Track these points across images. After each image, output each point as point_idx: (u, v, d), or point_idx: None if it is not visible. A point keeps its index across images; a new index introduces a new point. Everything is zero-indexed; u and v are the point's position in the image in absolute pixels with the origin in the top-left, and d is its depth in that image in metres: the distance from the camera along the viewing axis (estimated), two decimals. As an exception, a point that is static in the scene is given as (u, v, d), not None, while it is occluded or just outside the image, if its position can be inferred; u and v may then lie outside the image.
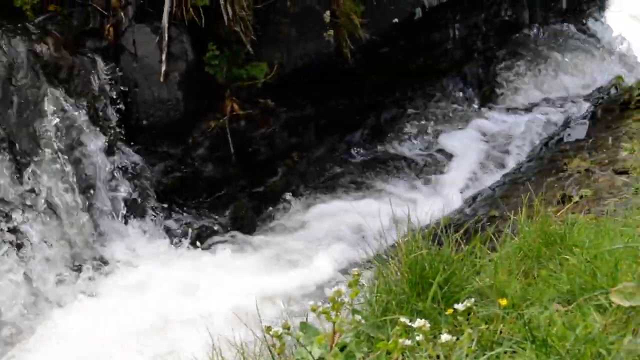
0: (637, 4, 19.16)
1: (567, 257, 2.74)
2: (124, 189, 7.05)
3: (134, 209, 7.08)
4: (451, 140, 10.32)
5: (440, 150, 10.07)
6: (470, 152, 10.06)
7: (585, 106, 11.15)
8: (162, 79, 7.16)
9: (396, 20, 8.96)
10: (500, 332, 2.40)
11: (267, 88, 7.88)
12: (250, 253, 7.27)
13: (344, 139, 9.74)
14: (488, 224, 6.72)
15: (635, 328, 2.08)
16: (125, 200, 7.04)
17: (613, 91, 10.94)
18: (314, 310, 2.56)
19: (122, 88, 7.20)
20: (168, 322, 5.89)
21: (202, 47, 7.44)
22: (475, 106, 11.32)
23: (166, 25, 7.09)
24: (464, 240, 2.88)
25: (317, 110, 8.91)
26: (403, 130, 10.30)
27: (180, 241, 7.19)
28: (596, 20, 14.43)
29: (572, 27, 13.66)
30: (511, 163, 9.74)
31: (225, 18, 7.19)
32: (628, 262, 2.45)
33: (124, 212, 7.03)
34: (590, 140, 8.49)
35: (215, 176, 7.88)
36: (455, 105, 11.04)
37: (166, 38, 7.11)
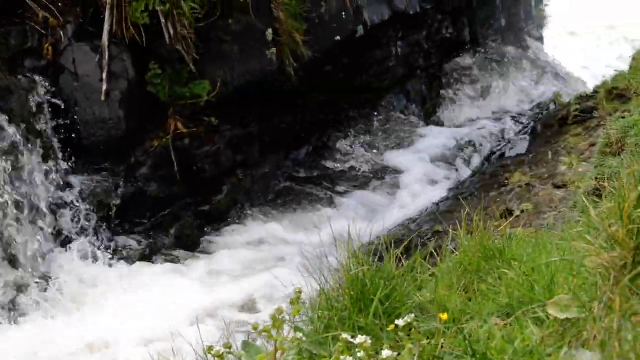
0: (575, 21, 19.63)
1: (506, 270, 2.78)
2: (65, 210, 6.94)
3: (76, 230, 6.97)
4: (396, 156, 10.41)
5: (385, 167, 10.15)
6: (415, 167, 10.15)
7: (526, 122, 11.35)
8: (103, 98, 7.08)
9: (338, 38, 9.03)
10: (442, 346, 2.41)
11: (211, 106, 7.85)
12: (194, 272, 7.20)
13: (289, 156, 9.76)
14: (432, 239, 6.78)
15: (571, 340, 2.10)
16: (67, 221, 6.93)
17: (552, 107, 11.17)
18: (255, 328, 2.55)
19: (62, 107, 7.10)
20: (108, 343, 5.80)
21: (144, 66, 7.39)
22: (419, 122, 11.45)
23: (106, 43, 7.03)
24: (404, 256, 2.89)
25: (262, 128, 8.90)
26: (348, 146, 10.36)
27: (123, 262, 7.09)
28: (535, 37, 14.74)
29: (512, 45, 13.94)
30: (455, 178, 9.85)
31: (167, 37, 7.16)
32: (564, 275, 2.49)
33: (65, 232, 6.92)
34: (531, 155, 8.63)
35: (160, 195, 7.81)
36: (399, 122, 11.15)
37: (107, 57, 7.04)
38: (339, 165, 10.03)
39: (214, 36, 7.74)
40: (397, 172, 10.03)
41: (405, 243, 3.11)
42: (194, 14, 7.32)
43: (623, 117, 5.91)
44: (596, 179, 4.87)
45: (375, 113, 11.09)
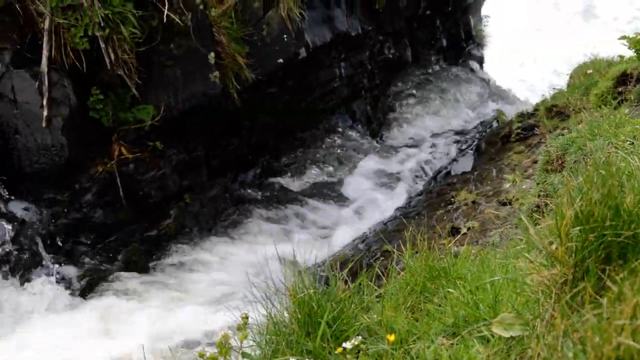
0: (514, 40, 20.07)
1: (451, 290, 2.79)
2: (6, 239, 6.78)
3: (18, 260, 6.82)
4: (343, 176, 10.43)
5: (332, 187, 10.17)
6: (362, 187, 10.19)
7: (470, 139, 11.50)
8: (44, 125, 6.97)
9: (281, 60, 9.04)
10: (389, 368, 2.41)
11: (156, 131, 7.79)
12: (141, 298, 7.11)
13: (237, 178, 9.72)
14: (381, 258, 6.80)
15: (516, 358, 2.12)
16: (7, 252, 6.78)
17: (495, 125, 11.34)
18: (201, 356, 2.52)
19: (1, 135, 6.97)
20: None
21: (86, 92, 7.30)
22: (365, 142, 11.51)
23: (46, 69, 6.92)
24: (350, 278, 2.89)
25: (208, 151, 8.86)
26: (295, 168, 10.36)
27: (68, 292, 6.96)
28: (476, 56, 14.97)
29: (453, 64, 14.14)
30: (402, 196, 9.92)
31: (108, 62, 7.09)
32: (507, 293, 2.51)
33: (7, 264, 6.76)
34: (476, 173, 8.74)
35: (106, 222, 7.70)
36: (345, 142, 11.19)
37: (46, 83, 6.93)
38: (286, 186, 10.02)
39: (156, 60, 7.69)
40: (344, 192, 10.06)
41: (352, 264, 3.11)
42: (134, 38, 7.26)
43: (562, 135, 6.02)
44: (538, 196, 4.94)
45: (322, 134, 11.13)
